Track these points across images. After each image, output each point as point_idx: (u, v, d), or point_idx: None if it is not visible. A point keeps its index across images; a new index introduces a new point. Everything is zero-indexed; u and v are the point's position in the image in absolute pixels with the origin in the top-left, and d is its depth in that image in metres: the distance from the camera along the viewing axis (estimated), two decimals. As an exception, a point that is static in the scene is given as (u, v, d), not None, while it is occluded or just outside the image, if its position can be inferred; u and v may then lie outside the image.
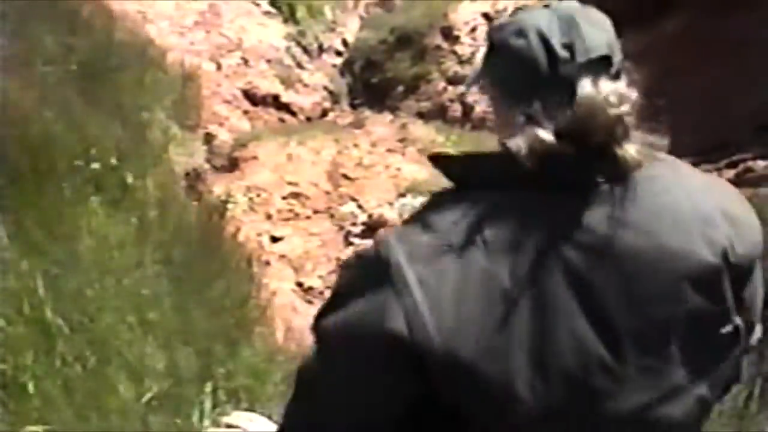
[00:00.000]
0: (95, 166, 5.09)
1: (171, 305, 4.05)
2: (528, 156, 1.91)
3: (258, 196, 8.56)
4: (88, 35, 6.41)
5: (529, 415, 1.92)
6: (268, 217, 8.16)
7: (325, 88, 12.98)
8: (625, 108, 1.91)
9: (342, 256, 8.36)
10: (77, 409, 3.35)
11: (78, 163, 5.05)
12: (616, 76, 1.96)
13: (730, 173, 6.71)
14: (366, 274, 2.02)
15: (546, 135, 1.90)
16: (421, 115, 11.63)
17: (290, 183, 9.16)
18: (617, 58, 1.97)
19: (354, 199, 9.18)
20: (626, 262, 1.98)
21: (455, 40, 12.52)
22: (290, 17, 13.78)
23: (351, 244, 8.91)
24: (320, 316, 2.16)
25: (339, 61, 13.94)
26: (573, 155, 1.94)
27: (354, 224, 9.07)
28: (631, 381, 2.04)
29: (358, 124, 11.27)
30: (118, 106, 5.56)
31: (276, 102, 11.74)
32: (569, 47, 1.93)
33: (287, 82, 12.41)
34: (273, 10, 13.70)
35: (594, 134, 1.92)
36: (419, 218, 2.07)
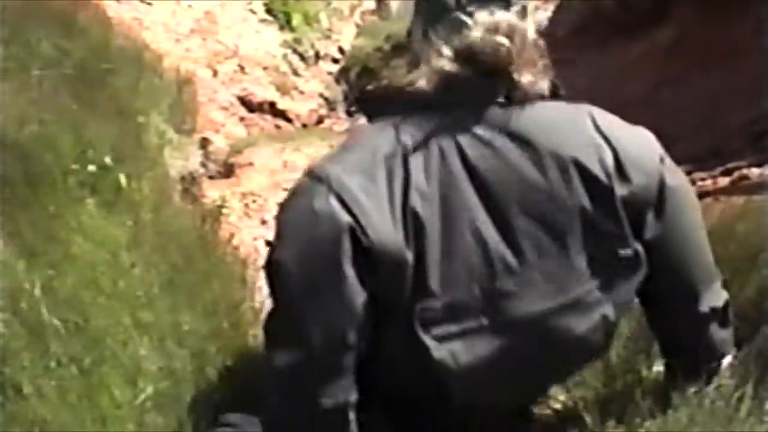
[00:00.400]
0: (91, 168, 5.10)
1: (165, 307, 4.07)
2: (430, 78, 2.36)
3: (253, 201, 8.56)
4: (83, 40, 6.43)
5: (440, 308, 2.27)
6: (263, 222, 8.15)
7: (321, 95, 12.99)
8: (516, 36, 2.32)
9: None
10: (72, 410, 3.36)
11: (73, 166, 5.07)
12: (517, 13, 2.37)
13: (726, 181, 6.72)
14: (308, 194, 2.34)
15: (443, 60, 2.33)
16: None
17: (285, 189, 9.15)
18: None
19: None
20: (521, 167, 2.33)
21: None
22: (286, 25, 13.81)
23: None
24: (271, 255, 2.40)
25: (335, 68, 13.97)
26: (469, 76, 2.34)
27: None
28: (533, 284, 2.34)
29: (354, 131, 11.29)
30: (113, 110, 5.58)
31: (272, 109, 11.76)
32: None
33: (283, 89, 12.42)
34: (269, 18, 13.74)
35: (484, 55, 2.30)
36: (345, 146, 2.44)
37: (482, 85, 2.37)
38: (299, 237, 2.34)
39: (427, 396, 2.56)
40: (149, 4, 12.13)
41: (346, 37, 14.74)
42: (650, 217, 2.58)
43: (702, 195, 6.96)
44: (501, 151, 2.36)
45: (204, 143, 9.15)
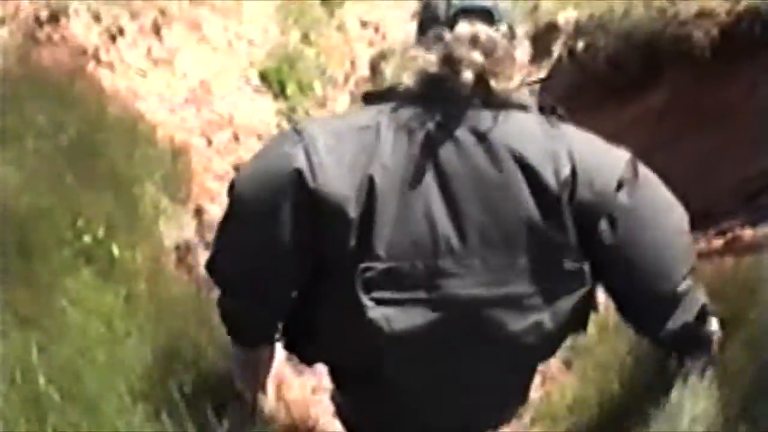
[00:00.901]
0: (85, 239, 5.12)
1: (159, 376, 4.07)
2: (416, 78, 2.70)
3: (248, 270, 8.58)
4: (78, 111, 6.48)
5: (382, 271, 2.48)
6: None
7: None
8: (492, 48, 2.64)
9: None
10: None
11: (68, 237, 5.08)
12: (498, 29, 2.71)
13: (719, 242, 6.74)
14: (282, 140, 2.69)
15: (427, 63, 2.66)
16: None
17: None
18: (502, 17, 2.69)
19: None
20: (480, 164, 2.59)
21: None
22: (280, 93, 13.90)
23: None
24: (238, 175, 2.80)
25: (329, 136, 14.04)
26: (449, 77, 2.65)
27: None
28: (473, 270, 2.52)
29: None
30: (108, 181, 5.61)
31: (267, 178, 11.80)
32: (460, 0, 2.66)
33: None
34: (263, 87, 13.83)
35: (462, 61, 2.62)
36: (332, 116, 2.90)
37: (459, 87, 2.67)
38: (259, 168, 2.75)
39: (362, 364, 2.80)
40: (144, 74, 12.20)
41: (341, 105, 14.82)
42: (603, 234, 2.79)
43: (696, 257, 6.97)
44: (465, 146, 2.62)
45: (199, 212, 9.17)
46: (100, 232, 5.21)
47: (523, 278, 2.65)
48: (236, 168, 11.98)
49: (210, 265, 2.99)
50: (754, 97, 8.41)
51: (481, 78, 2.68)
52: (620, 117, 9.42)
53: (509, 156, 2.66)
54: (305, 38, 15.83)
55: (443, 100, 2.68)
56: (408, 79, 2.74)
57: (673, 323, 2.99)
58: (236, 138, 12.38)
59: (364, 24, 19.27)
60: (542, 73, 11.60)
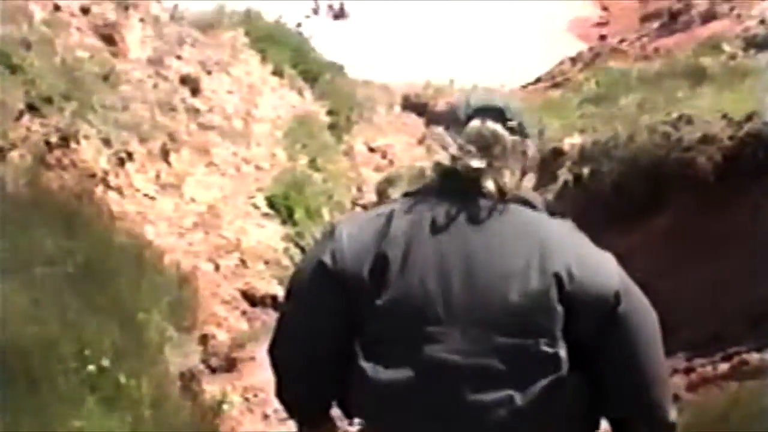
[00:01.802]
0: (90, 367, 5.13)
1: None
2: (434, 169, 3.04)
3: (255, 396, 8.54)
4: (86, 237, 6.53)
5: (379, 330, 2.88)
6: (265, 417, 8.13)
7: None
8: (498, 144, 2.94)
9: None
10: None
11: (73, 365, 5.09)
12: (510, 128, 2.98)
13: (725, 366, 6.72)
14: (320, 237, 3.25)
15: (443, 154, 2.98)
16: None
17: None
18: (514, 116, 2.99)
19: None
20: (474, 250, 2.86)
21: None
22: (288, 219, 13.98)
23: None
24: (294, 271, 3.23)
25: (337, 260, 14.03)
26: (458, 170, 2.94)
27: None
28: (453, 339, 2.83)
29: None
30: (114, 309, 5.63)
31: (274, 302, 11.80)
32: (476, 101, 3.03)
33: (285, 283, 12.48)
34: (271, 212, 13.92)
35: (469, 155, 2.91)
36: (367, 210, 3.29)
37: (468, 179, 2.94)
38: (301, 262, 3.37)
39: (367, 417, 3.08)
40: (152, 198, 12.32)
41: (348, 230, 14.88)
42: (599, 334, 2.95)
43: (702, 381, 6.97)
44: (463, 232, 2.91)
45: (204, 340, 9.17)
46: (105, 361, 5.22)
47: (499, 354, 2.86)
48: (243, 293, 12.04)
49: (270, 349, 3.25)
50: (758, 221, 8.46)
51: (487, 171, 2.95)
52: (625, 242, 9.43)
53: (502, 246, 2.91)
54: (313, 163, 15.99)
55: (452, 190, 2.97)
56: (429, 173, 3.12)
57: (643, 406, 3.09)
58: (243, 263, 12.42)
59: (371, 149, 19.49)
60: (547, 199, 11.67)
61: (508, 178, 2.98)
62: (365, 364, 2.93)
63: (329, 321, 3.03)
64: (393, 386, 2.90)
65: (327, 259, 2.98)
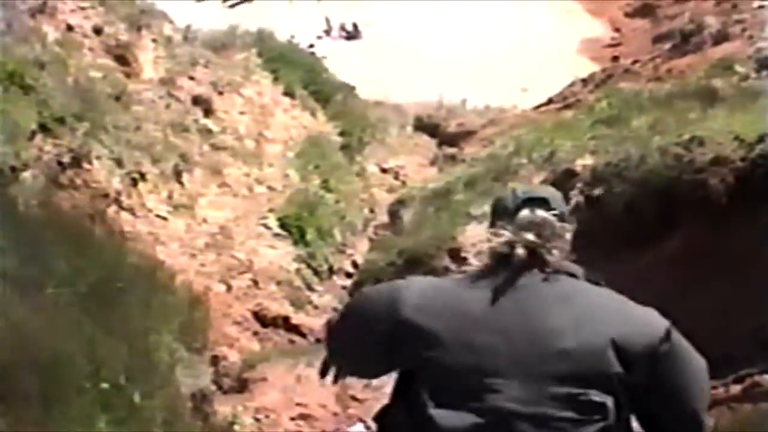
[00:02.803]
0: (103, 386, 5.14)
1: None
2: (490, 253, 3.36)
3: (266, 417, 8.54)
4: (98, 258, 6.56)
5: (446, 381, 3.19)
6: (277, 438, 8.13)
7: (335, 309, 13.04)
8: (547, 229, 3.30)
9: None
10: None
11: (86, 385, 5.10)
12: (555, 215, 3.37)
13: (737, 388, 6.70)
14: (394, 282, 3.58)
15: (498, 241, 3.32)
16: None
17: (299, 404, 9.14)
18: (558, 206, 3.44)
19: (362, 420, 9.16)
20: (531, 313, 3.22)
21: (463, 261, 12.62)
22: (300, 239, 14.00)
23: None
24: (356, 292, 3.81)
25: (348, 282, 14.04)
26: (511, 253, 3.27)
27: (364, 444, 9.02)
28: (512, 389, 3.14)
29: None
30: (126, 329, 5.65)
31: (285, 323, 11.83)
32: (524, 192, 3.45)
33: (297, 304, 12.52)
34: (283, 233, 13.94)
35: (521, 241, 3.27)
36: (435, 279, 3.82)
37: (519, 260, 3.28)
38: (373, 294, 3.63)
39: None
40: (165, 219, 12.37)
41: (360, 251, 14.88)
42: (640, 377, 3.23)
43: (714, 403, 6.94)
44: (520, 298, 3.26)
45: (215, 360, 9.18)
46: (119, 381, 5.23)
47: (554, 402, 3.17)
48: (255, 314, 12.05)
49: (328, 324, 3.86)
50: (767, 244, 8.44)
51: (536, 252, 3.30)
52: (637, 264, 9.43)
53: (554, 307, 3.24)
54: (325, 184, 16.00)
55: (507, 269, 3.31)
56: (486, 257, 3.47)
57: None
58: (255, 284, 12.45)
59: (383, 170, 19.49)
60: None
61: (557, 255, 3.35)
62: (433, 412, 3.23)
63: (376, 349, 3.43)
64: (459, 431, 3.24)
65: (398, 302, 3.36)
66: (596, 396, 3.19)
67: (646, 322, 3.35)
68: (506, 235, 3.41)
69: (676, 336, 3.34)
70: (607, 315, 3.28)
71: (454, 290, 3.42)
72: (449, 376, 3.26)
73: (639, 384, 3.26)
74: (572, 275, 3.43)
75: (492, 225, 3.59)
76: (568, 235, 3.47)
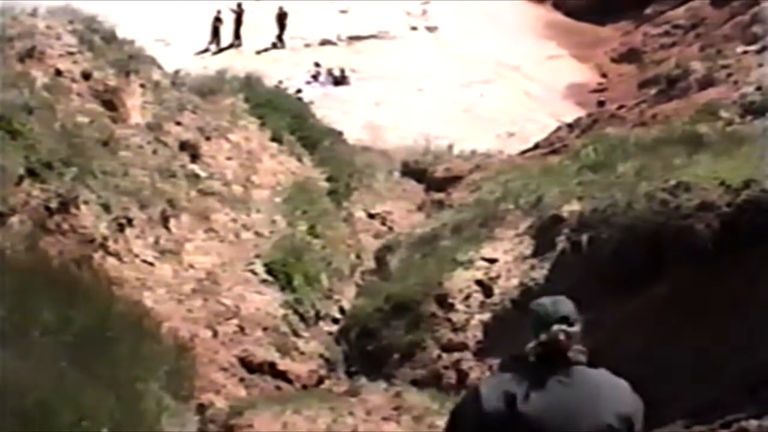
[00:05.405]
0: (88, 436, 5.12)
1: None
2: (530, 355, 4.52)
3: (252, 464, 8.50)
4: (85, 306, 6.55)
5: None
6: (262, 486, 8.08)
7: (321, 355, 13.00)
8: (571, 336, 4.50)
9: None
10: None
11: (71, 434, 5.08)
12: (572, 324, 4.55)
13: (724, 433, 6.71)
14: (475, 389, 4.74)
15: (536, 347, 4.51)
16: (415, 383, 11.55)
17: (285, 451, 9.10)
18: (575, 318, 4.57)
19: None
20: (563, 397, 4.47)
21: (450, 307, 12.61)
22: (287, 285, 13.97)
23: None
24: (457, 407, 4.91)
25: (335, 328, 13.99)
26: (546, 354, 4.51)
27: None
28: None
29: (353, 392, 11.23)
30: (112, 377, 5.63)
31: (272, 369, 11.79)
32: (553, 311, 4.64)
33: (283, 350, 12.47)
34: (270, 278, 13.91)
35: (556, 345, 4.49)
36: (491, 377, 5.44)
37: (556, 354, 4.51)
38: (466, 400, 4.78)
39: None
40: (151, 264, 12.34)
41: (347, 297, 14.86)
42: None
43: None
44: (549, 386, 4.50)
45: (202, 408, 9.14)
46: (104, 430, 5.20)
47: None
48: (242, 360, 12.01)
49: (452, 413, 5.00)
50: (756, 288, 8.47)
51: (564, 352, 4.52)
52: (624, 310, 9.46)
53: (583, 391, 4.51)
54: (312, 230, 15.98)
55: (542, 365, 4.53)
56: (528, 354, 4.62)
57: None
58: (242, 330, 12.41)
59: (370, 216, 19.48)
60: (545, 269, 11.70)
61: (576, 353, 4.56)
62: None
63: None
64: None
65: (478, 402, 4.57)
66: None
67: (629, 393, 4.69)
68: (543, 337, 4.56)
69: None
70: (616, 394, 4.58)
71: (508, 385, 4.57)
72: None
73: None
74: (583, 364, 4.61)
75: (535, 335, 4.65)
76: (579, 336, 4.62)
